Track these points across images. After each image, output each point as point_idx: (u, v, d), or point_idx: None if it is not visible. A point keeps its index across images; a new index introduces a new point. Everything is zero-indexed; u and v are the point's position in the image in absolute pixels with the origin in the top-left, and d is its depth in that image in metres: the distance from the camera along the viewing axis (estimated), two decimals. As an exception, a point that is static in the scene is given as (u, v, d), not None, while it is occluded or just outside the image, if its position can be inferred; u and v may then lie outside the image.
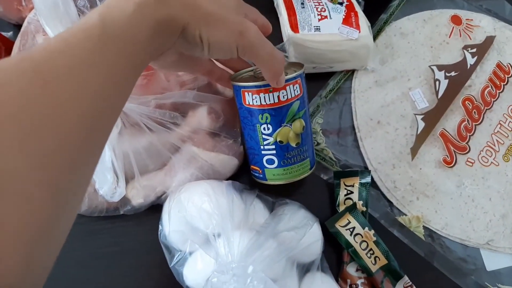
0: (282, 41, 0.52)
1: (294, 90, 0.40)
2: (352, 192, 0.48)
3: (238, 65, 0.43)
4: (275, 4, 0.56)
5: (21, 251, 0.20)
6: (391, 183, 0.51)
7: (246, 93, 0.40)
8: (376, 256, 0.46)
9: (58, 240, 0.23)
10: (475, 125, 0.54)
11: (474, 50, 0.58)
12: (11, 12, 0.52)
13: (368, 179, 0.48)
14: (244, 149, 0.46)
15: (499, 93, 0.56)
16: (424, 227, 0.50)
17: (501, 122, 0.55)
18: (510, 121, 0.55)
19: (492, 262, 0.50)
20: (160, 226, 0.43)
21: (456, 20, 0.59)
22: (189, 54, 0.33)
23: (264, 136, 0.42)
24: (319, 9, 0.51)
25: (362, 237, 0.46)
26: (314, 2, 0.52)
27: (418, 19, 0.59)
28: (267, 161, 0.43)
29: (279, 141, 0.42)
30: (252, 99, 0.40)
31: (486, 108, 0.55)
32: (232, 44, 0.32)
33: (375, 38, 0.57)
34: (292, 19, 0.51)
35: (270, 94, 0.40)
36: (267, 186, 0.45)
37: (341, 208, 0.48)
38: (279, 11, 0.54)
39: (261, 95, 0.40)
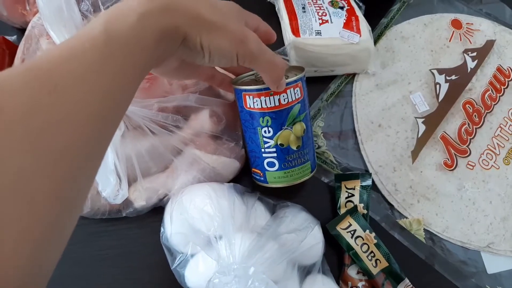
0: (284, 45, 0.53)
1: (294, 94, 0.41)
2: (353, 195, 0.49)
3: (239, 70, 0.44)
4: (276, 9, 0.56)
5: (25, 254, 0.20)
6: (392, 186, 0.51)
7: (247, 96, 0.41)
8: (377, 259, 0.46)
9: (61, 242, 0.24)
10: (476, 128, 0.55)
11: (475, 54, 0.58)
12: (15, 16, 0.53)
13: (369, 182, 0.49)
14: (246, 152, 0.47)
15: (499, 96, 0.57)
16: (425, 230, 0.50)
17: (501, 125, 0.55)
18: (510, 125, 0.56)
19: (493, 265, 0.50)
20: (162, 228, 0.43)
21: (456, 24, 0.60)
22: (190, 61, 0.34)
23: (265, 139, 0.42)
24: (320, 14, 0.52)
25: (363, 239, 0.46)
26: (315, 7, 0.53)
27: (419, 23, 0.59)
28: (268, 164, 0.44)
29: (280, 144, 0.42)
30: (253, 102, 0.41)
31: (486, 111, 0.56)
32: (232, 52, 0.33)
33: (376, 42, 0.57)
34: (293, 23, 0.51)
35: (270, 97, 0.40)
36: (268, 188, 0.45)
37: (342, 210, 0.48)
38: (281, 16, 0.54)
39: (262, 98, 0.40)
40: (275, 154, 0.43)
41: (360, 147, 0.52)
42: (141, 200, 0.45)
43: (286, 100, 0.41)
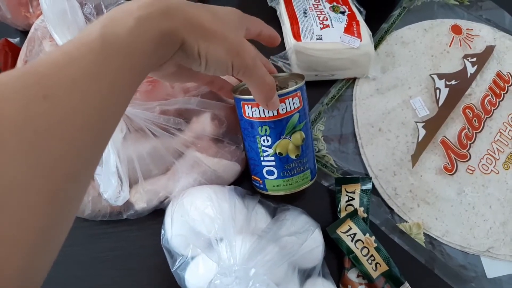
0: (285, 49, 0.53)
1: (293, 103, 0.41)
2: (353, 199, 0.49)
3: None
4: (278, 13, 0.56)
5: (20, 259, 0.20)
6: (392, 190, 0.51)
7: (246, 106, 0.41)
8: (377, 263, 0.46)
9: (56, 246, 0.23)
10: (476, 133, 0.55)
11: (474, 59, 0.58)
12: (19, 18, 0.53)
13: (369, 186, 0.49)
14: (246, 157, 0.47)
15: (499, 101, 0.57)
16: (425, 234, 0.50)
17: (501, 130, 0.56)
18: (510, 129, 0.56)
19: (493, 269, 0.50)
20: (162, 231, 0.43)
21: (456, 29, 0.60)
22: (187, 66, 0.34)
23: (263, 147, 0.42)
24: (321, 18, 0.52)
25: (363, 243, 0.46)
26: (316, 12, 0.53)
27: (419, 29, 0.60)
28: (267, 172, 0.44)
29: (279, 153, 0.42)
30: (252, 112, 0.41)
31: (486, 116, 0.56)
32: (228, 63, 0.33)
33: (376, 46, 0.57)
34: (294, 27, 0.52)
35: None
36: (268, 192, 0.45)
37: (342, 214, 0.48)
38: (282, 20, 0.55)
39: (261, 108, 0.40)
40: (274, 163, 0.43)
41: (361, 151, 0.53)
42: (142, 202, 0.45)
43: (285, 110, 0.40)
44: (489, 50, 0.59)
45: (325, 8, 0.54)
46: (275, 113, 0.40)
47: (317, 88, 0.54)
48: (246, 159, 0.47)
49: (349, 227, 0.47)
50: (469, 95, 0.56)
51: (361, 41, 0.51)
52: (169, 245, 0.42)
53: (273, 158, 0.43)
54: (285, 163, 0.43)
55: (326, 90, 0.56)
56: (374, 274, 0.46)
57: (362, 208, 0.48)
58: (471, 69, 0.58)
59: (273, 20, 0.56)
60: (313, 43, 0.51)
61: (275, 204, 0.46)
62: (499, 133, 0.56)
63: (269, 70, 0.42)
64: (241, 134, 0.45)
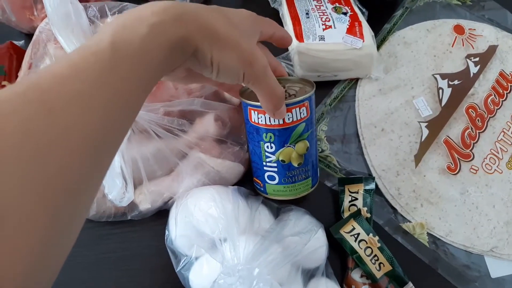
0: (287, 50, 0.53)
1: (300, 113, 0.40)
2: (356, 199, 0.49)
3: None
4: (280, 14, 0.57)
5: (21, 271, 0.20)
6: (395, 190, 0.51)
7: (252, 111, 0.41)
8: (380, 262, 0.46)
9: (59, 256, 0.23)
10: (479, 132, 0.55)
11: (477, 59, 0.58)
12: (23, 21, 0.54)
13: (372, 186, 0.49)
14: (249, 159, 0.47)
15: (502, 101, 0.57)
16: (428, 234, 0.50)
17: (504, 130, 0.56)
18: (513, 129, 0.56)
19: (496, 269, 0.50)
20: (166, 231, 0.44)
21: (459, 29, 0.60)
22: (197, 71, 0.33)
23: (267, 153, 0.43)
24: (323, 19, 0.52)
25: (367, 243, 0.46)
26: (318, 12, 0.53)
27: (421, 29, 0.60)
28: (268, 177, 0.44)
29: (281, 160, 0.42)
30: (258, 118, 0.41)
31: (489, 116, 0.56)
32: (240, 72, 0.32)
33: (378, 47, 0.57)
34: (297, 28, 0.52)
35: None
36: (271, 193, 0.46)
37: (346, 214, 0.49)
38: (284, 21, 0.55)
39: (267, 115, 0.40)
40: (275, 169, 0.43)
41: (363, 151, 0.53)
42: (146, 203, 0.45)
43: (291, 119, 0.40)
44: (492, 49, 0.59)
45: (327, 9, 0.54)
46: (281, 122, 0.40)
47: (319, 88, 0.54)
48: (249, 160, 0.47)
49: (352, 227, 0.47)
50: (472, 95, 0.56)
51: (363, 41, 0.51)
52: (173, 245, 0.43)
53: (275, 165, 0.43)
54: (287, 170, 0.43)
55: (329, 90, 0.56)
56: (378, 274, 0.46)
57: (365, 208, 0.48)
58: (474, 69, 0.58)
59: (276, 21, 0.56)
60: (315, 44, 0.51)
61: (278, 205, 0.46)
62: (502, 133, 0.56)
63: (280, 72, 0.41)
64: (246, 135, 0.45)
